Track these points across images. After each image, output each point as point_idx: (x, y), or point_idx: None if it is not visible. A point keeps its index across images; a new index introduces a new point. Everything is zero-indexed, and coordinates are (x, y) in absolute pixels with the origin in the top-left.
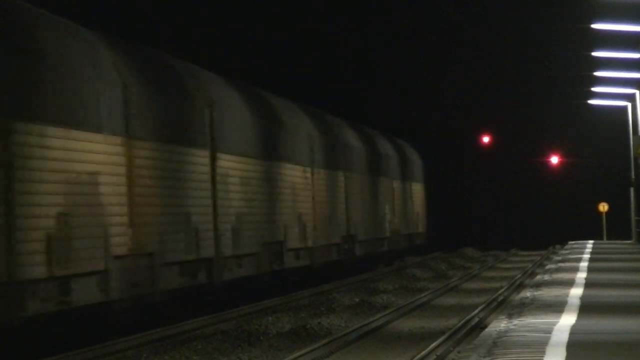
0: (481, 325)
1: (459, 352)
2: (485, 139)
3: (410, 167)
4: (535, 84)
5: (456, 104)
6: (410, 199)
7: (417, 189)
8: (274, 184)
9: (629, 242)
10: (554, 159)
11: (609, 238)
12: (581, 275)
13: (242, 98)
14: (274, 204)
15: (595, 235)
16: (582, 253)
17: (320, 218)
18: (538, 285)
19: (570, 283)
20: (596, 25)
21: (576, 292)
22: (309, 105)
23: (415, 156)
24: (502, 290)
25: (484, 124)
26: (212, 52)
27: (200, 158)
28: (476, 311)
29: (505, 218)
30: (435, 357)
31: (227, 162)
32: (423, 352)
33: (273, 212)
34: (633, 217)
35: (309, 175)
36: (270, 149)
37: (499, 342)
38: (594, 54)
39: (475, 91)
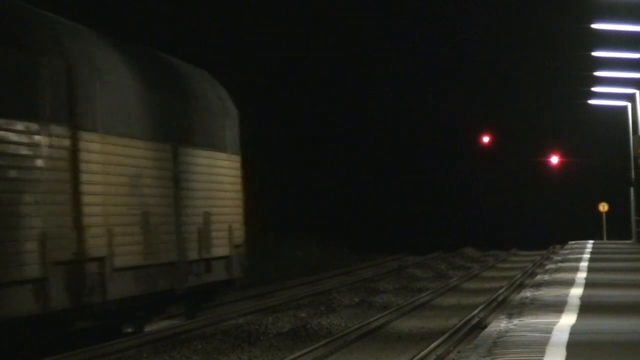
0: (481, 325)
1: (459, 352)
2: (485, 139)
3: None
4: (535, 84)
5: (456, 104)
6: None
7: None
8: None
9: (629, 242)
10: (554, 159)
11: (609, 238)
12: (581, 275)
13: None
14: None
15: (595, 235)
16: (582, 253)
17: None
18: (538, 285)
19: (570, 283)
20: (596, 25)
21: (576, 292)
22: None
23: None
24: (502, 290)
25: (484, 124)
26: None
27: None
28: (476, 311)
29: (505, 218)
30: (435, 357)
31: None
32: (423, 352)
33: None
34: (633, 217)
35: None
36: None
37: (499, 342)
38: (594, 54)
39: (475, 91)
